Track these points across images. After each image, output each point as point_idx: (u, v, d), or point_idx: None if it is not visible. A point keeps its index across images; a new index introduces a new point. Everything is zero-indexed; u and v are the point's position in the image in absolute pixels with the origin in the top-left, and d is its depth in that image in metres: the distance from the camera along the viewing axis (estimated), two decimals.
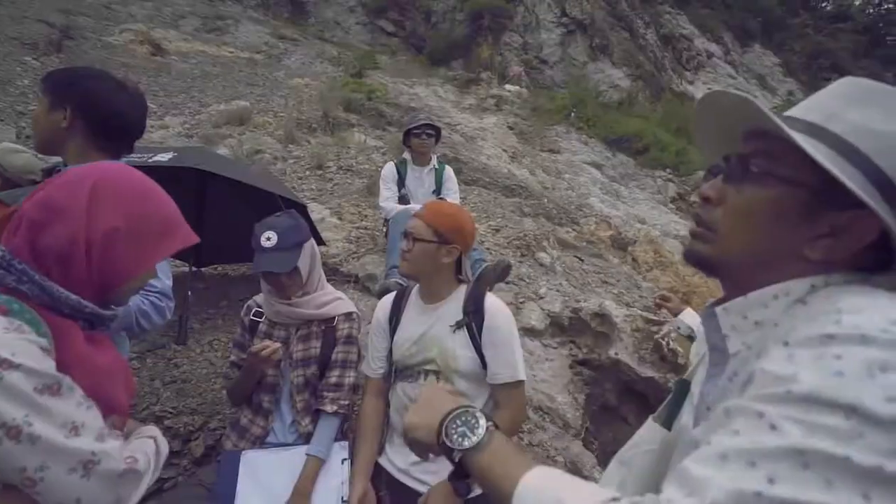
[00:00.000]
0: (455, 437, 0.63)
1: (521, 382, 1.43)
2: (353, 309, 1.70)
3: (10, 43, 6.04)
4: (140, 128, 1.39)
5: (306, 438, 1.53)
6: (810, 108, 0.56)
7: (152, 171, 2.05)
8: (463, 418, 0.64)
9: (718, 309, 0.58)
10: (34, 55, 5.97)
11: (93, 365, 0.78)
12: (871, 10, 24.75)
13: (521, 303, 2.83)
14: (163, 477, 1.82)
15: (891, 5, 24.14)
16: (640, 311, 2.78)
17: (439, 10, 13.30)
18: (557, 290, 3.05)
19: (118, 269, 0.83)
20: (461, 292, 1.49)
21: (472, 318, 1.43)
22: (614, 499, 0.44)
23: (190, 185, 2.55)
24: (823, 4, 23.31)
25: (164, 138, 4.67)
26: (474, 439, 0.61)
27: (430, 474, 1.39)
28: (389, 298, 1.62)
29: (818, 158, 0.49)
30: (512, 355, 1.42)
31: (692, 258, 0.61)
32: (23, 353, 0.65)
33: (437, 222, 1.44)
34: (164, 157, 1.98)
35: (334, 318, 1.65)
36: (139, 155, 1.92)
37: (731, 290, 0.59)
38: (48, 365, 0.69)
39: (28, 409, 0.65)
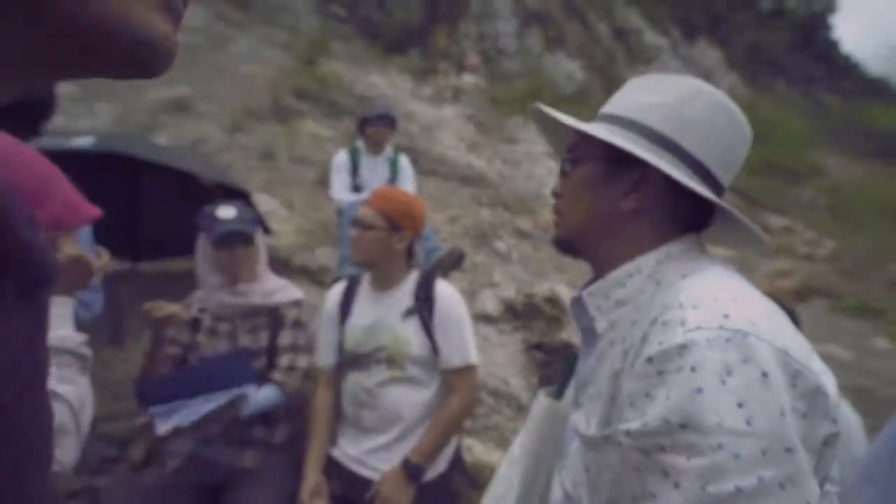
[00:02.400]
0: None
1: (473, 367, 1.45)
2: (299, 296, 1.65)
3: None
4: (46, 104, 1.25)
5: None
6: (611, 103, 0.70)
7: (72, 158, 1.89)
8: None
9: (584, 293, 0.66)
10: None
11: None
12: (804, 8, 26.45)
13: (475, 290, 2.85)
14: (96, 486, 1.70)
15: (820, 6, 25.86)
16: None
17: None
18: (512, 278, 3.09)
19: None
20: (412, 279, 1.49)
21: (423, 305, 1.43)
22: None
23: (119, 174, 2.37)
24: (762, 1, 24.72)
25: (94, 127, 4.32)
26: None
27: (384, 462, 1.39)
28: (339, 287, 1.60)
29: (587, 129, 0.63)
30: (464, 340, 1.43)
31: (555, 244, 0.73)
32: None
33: (387, 208, 1.43)
34: (85, 142, 1.82)
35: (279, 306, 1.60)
36: (54, 139, 1.76)
37: (595, 269, 0.68)
38: None
39: None
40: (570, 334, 2.55)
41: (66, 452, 0.76)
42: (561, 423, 0.77)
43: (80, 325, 1.23)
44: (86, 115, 4.52)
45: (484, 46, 11.97)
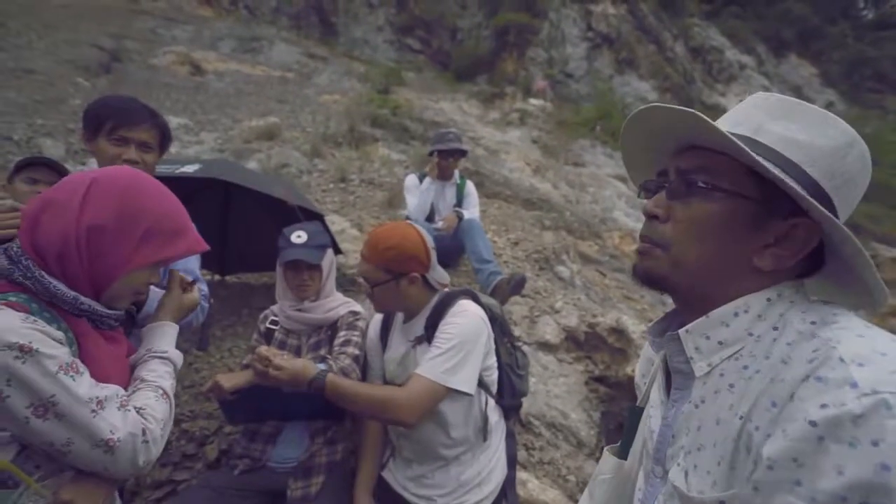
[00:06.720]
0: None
1: (433, 382, 1.26)
2: (359, 309, 1.73)
3: (65, 65, 6.50)
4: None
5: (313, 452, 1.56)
6: (737, 121, 0.57)
7: (180, 181, 2.15)
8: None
9: (681, 331, 0.58)
10: (86, 77, 6.40)
11: (105, 363, 0.83)
12: None
13: (536, 316, 2.79)
14: (177, 479, 1.87)
15: None
16: None
17: (465, 27, 13.54)
18: (574, 305, 2.99)
19: (106, 266, 0.82)
20: (431, 306, 1.43)
21: (431, 333, 1.36)
22: None
23: (216, 196, 2.66)
24: (864, 12, 22.44)
25: (198, 153, 4.89)
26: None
27: (428, 488, 1.41)
28: (378, 317, 1.60)
29: (776, 175, 0.50)
30: (442, 355, 1.28)
31: (644, 276, 0.60)
32: (39, 341, 0.71)
33: (383, 260, 1.36)
34: (190, 169, 2.08)
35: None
36: (167, 166, 2.03)
37: (685, 307, 0.60)
38: (64, 351, 0.74)
39: (53, 388, 0.71)
40: (637, 368, 2.41)
41: (164, 440, 0.91)
42: (630, 486, 0.68)
43: (187, 325, 1.42)
44: (194, 142, 5.13)
45: (552, 71, 11.97)
